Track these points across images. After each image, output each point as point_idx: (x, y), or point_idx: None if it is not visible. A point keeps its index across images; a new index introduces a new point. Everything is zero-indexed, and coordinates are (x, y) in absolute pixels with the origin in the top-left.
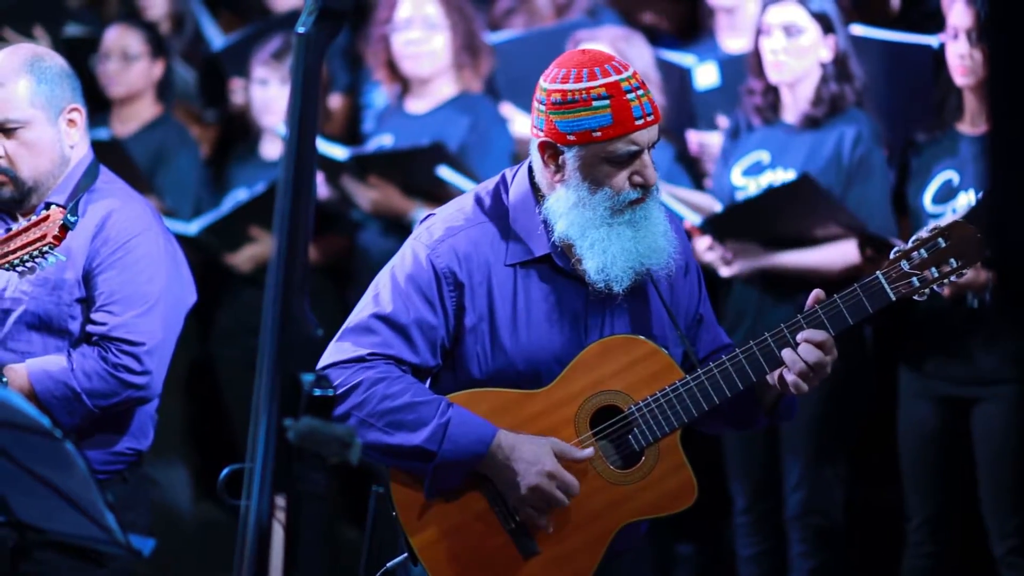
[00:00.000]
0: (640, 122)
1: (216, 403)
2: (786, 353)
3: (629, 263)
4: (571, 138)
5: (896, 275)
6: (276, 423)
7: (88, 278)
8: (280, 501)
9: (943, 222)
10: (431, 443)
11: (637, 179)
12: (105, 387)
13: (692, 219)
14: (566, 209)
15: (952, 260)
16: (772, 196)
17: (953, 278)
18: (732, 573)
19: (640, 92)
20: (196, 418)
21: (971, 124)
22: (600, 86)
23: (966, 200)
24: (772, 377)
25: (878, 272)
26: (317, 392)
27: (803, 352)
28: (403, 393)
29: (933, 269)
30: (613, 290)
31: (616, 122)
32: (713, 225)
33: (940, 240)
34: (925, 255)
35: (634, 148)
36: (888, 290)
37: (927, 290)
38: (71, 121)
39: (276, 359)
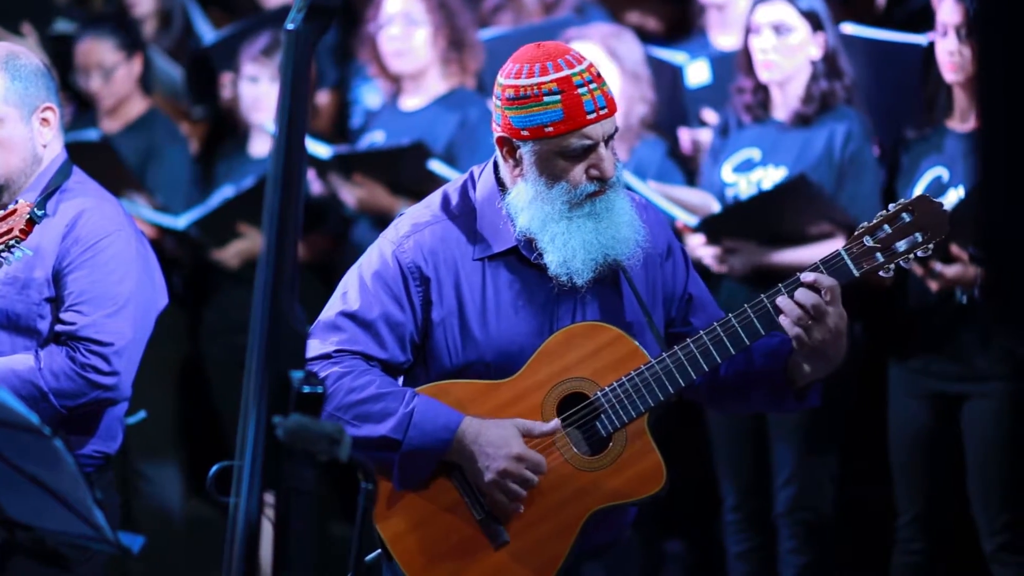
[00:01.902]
0: (592, 116)
1: (205, 400)
2: (782, 301)
3: (591, 255)
4: (525, 133)
5: (859, 251)
6: (265, 420)
7: (58, 277)
8: (269, 498)
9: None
10: (396, 432)
11: (594, 172)
12: (73, 387)
13: (687, 220)
14: (526, 204)
15: (918, 235)
16: (769, 197)
17: (919, 252)
18: (722, 570)
19: (593, 86)
20: (186, 415)
21: (960, 120)
22: (551, 81)
23: (955, 196)
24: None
25: (840, 248)
26: (306, 389)
27: (800, 296)
28: (368, 385)
29: (899, 244)
30: (576, 283)
31: (567, 117)
32: (710, 226)
33: (905, 215)
34: (890, 230)
35: (588, 142)
36: (851, 266)
37: (892, 265)
38: (44, 120)
39: (265, 356)
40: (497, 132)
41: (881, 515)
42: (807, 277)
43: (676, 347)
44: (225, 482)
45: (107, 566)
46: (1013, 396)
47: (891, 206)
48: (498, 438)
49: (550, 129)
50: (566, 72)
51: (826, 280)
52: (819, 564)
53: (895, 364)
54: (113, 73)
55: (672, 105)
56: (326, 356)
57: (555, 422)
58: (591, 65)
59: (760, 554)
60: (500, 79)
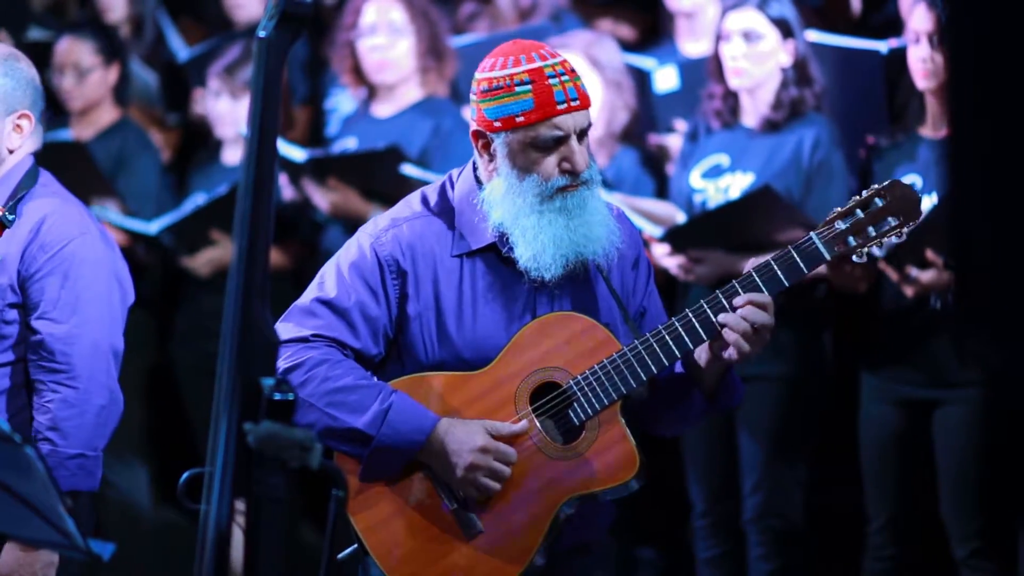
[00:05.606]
0: (563, 106)
1: (175, 407)
2: (724, 317)
3: (561, 251)
4: (497, 124)
5: (831, 235)
6: (236, 427)
7: (24, 284)
8: (240, 505)
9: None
10: (371, 427)
11: (565, 165)
12: (77, 423)
13: (652, 231)
14: (499, 198)
15: (890, 219)
16: (734, 207)
17: (893, 238)
18: None
19: (565, 78)
20: (155, 422)
21: (932, 128)
22: (523, 72)
23: (929, 203)
24: (705, 355)
25: (812, 233)
26: (277, 396)
27: (747, 313)
28: (345, 375)
29: (871, 228)
30: (544, 278)
31: (538, 106)
32: (674, 237)
33: (878, 199)
34: (862, 215)
35: (558, 133)
36: (823, 250)
37: (865, 250)
38: (18, 126)
39: (236, 363)
40: (472, 126)
41: (851, 521)
42: (745, 299)
43: (647, 334)
44: (196, 489)
45: (81, 572)
46: (984, 403)
47: (864, 192)
48: (463, 435)
49: (521, 119)
50: (538, 64)
51: (761, 297)
52: (788, 570)
53: (867, 370)
54: (87, 75)
55: (640, 111)
56: (303, 339)
57: (523, 423)
58: (565, 60)
59: (729, 560)
60: (476, 74)
